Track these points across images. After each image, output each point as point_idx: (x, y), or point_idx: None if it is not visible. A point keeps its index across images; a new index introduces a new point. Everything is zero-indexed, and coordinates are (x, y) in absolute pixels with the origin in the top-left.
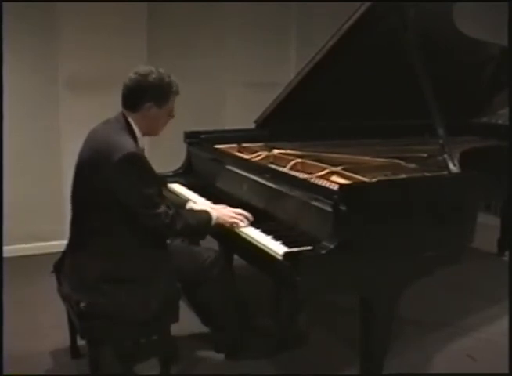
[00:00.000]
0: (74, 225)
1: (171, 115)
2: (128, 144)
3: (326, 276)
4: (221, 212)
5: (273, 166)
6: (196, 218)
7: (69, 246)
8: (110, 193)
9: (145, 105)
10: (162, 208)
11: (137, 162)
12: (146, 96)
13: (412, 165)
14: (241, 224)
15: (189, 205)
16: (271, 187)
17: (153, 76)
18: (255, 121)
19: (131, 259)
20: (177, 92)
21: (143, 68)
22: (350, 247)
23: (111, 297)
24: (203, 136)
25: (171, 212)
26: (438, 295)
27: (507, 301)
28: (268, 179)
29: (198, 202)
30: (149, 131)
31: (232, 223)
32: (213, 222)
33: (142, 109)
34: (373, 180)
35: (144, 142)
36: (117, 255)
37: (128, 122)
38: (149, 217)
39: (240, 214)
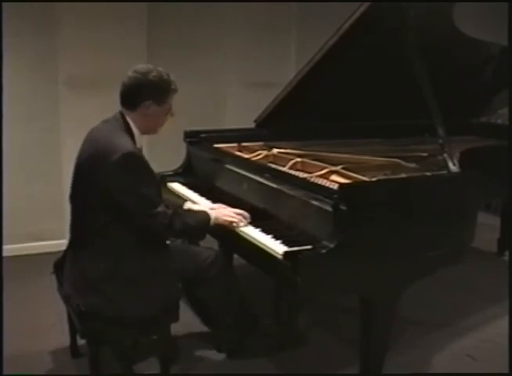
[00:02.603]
0: (74, 226)
1: (170, 113)
2: (125, 144)
3: (326, 275)
4: (220, 212)
5: (273, 165)
6: (195, 218)
7: (69, 246)
8: (109, 193)
9: (144, 103)
10: (160, 208)
11: (134, 162)
12: (145, 94)
13: (412, 165)
14: (240, 224)
15: (187, 205)
16: (271, 186)
17: (153, 74)
18: (255, 121)
19: (132, 259)
20: (175, 91)
21: (142, 66)
22: (350, 246)
23: (111, 297)
24: (203, 136)
25: (169, 212)
26: (438, 295)
27: (507, 301)
28: (267, 179)
29: (198, 202)
30: (148, 130)
31: (230, 223)
32: (212, 222)
33: (141, 107)
34: (373, 179)
35: (143, 141)
36: (118, 255)
37: (126, 121)
38: (146, 217)
39: (239, 214)
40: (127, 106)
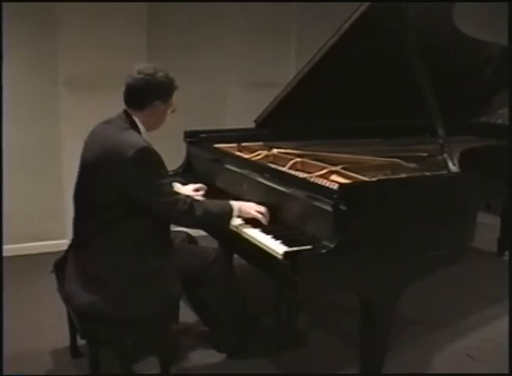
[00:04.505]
0: (77, 225)
1: (172, 110)
2: (138, 140)
3: (325, 275)
4: (245, 205)
5: (273, 165)
6: (218, 206)
7: (71, 245)
8: (117, 191)
9: (154, 103)
10: (179, 196)
11: (150, 156)
12: (155, 95)
13: (412, 165)
14: (262, 220)
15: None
16: (271, 186)
17: (160, 74)
18: (255, 121)
19: (133, 259)
20: (177, 87)
21: (146, 66)
22: (350, 246)
23: (112, 296)
24: (203, 136)
25: (189, 200)
26: (438, 295)
27: (507, 301)
28: (267, 179)
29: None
30: (153, 127)
31: (253, 216)
32: (235, 213)
33: (150, 107)
34: (373, 179)
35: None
36: (119, 255)
37: (132, 120)
38: (166, 205)
39: (262, 212)
40: (133, 107)
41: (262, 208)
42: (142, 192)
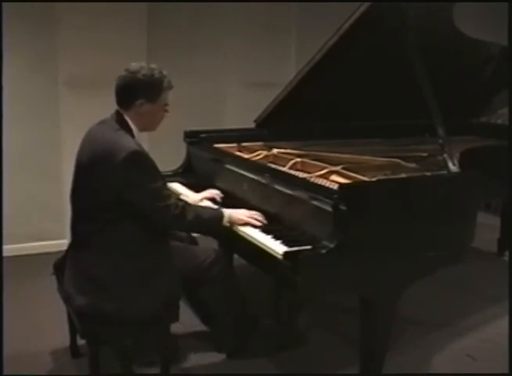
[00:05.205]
0: (75, 226)
1: (165, 110)
2: (129, 143)
3: (325, 275)
4: (235, 212)
5: (273, 165)
6: (208, 212)
7: (71, 245)
8: (113, 192)
9: (136, 102)
10: (171, 200)
11: (140, 159)
12: (136, 93)
13: (412, 165)
14: (257, 223)
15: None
16: (270, 186)
17: (143, 72)
18: (255, 121)
19: (133, 258)
20: (169, 87)
21: (133, 65)
22: (350, 246)
23: (112, 296)
24: (203, 136)
25: (181, 204)
26: (438, 295)
27: (507, 301)
28: (267, 179)
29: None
30: (145, 128)
31: (245, 222)
32: (225, 219)
33: (134, 106)
34: (373, 179)
35: (143, 140)
36: (119, 254)
37: (123, 120)
38: (158, 209)
39: (253, 215)
40: (121, 106)
41: (254, 213)
42: (133, 195)
